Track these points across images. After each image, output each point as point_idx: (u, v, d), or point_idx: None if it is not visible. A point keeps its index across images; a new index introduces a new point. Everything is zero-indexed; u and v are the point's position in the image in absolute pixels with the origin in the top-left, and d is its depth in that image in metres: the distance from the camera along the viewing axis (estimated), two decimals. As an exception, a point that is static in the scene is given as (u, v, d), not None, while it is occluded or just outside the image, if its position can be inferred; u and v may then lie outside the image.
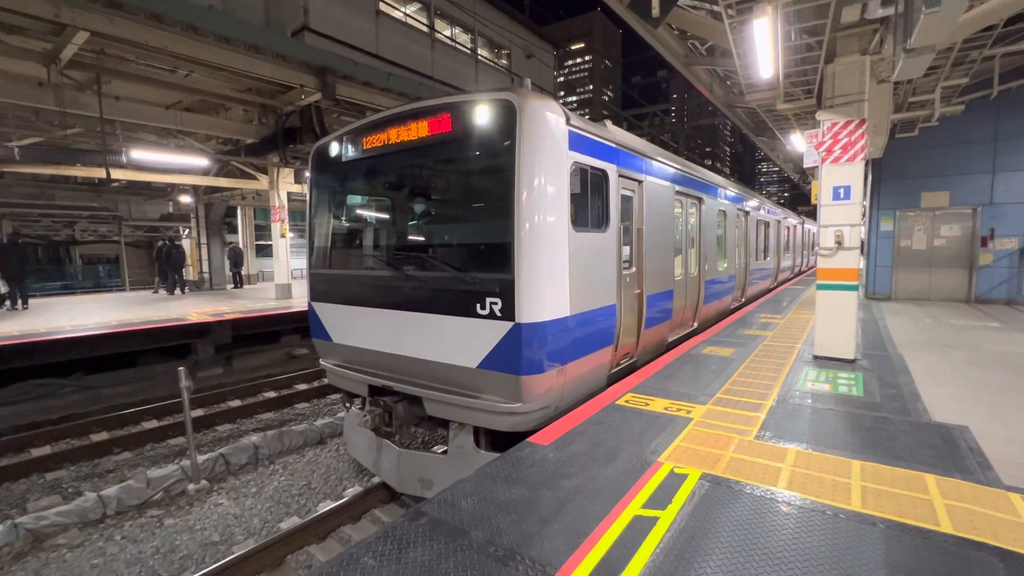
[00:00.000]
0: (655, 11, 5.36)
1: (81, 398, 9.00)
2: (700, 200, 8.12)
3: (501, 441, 4.37)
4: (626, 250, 5.62)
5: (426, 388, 4.54)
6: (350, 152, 5.27)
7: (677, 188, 7.09)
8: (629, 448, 3.56)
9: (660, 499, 2.85)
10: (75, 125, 10.74)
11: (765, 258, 14.21)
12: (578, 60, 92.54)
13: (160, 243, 17.32)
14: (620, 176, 5.35)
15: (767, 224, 14.33)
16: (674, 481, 3.06)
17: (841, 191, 5.88)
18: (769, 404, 4.47)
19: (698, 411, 4.31)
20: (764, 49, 5.79)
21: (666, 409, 4.37)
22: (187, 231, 21.36)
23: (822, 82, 6.15)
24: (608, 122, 6.03)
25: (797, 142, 11.41)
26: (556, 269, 4.14)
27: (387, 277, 4.85)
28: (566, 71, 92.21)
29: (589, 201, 4.75)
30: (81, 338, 8.84)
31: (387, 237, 5.49)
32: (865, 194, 12.14)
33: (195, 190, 18.30)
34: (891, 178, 12.24)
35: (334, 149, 5.43)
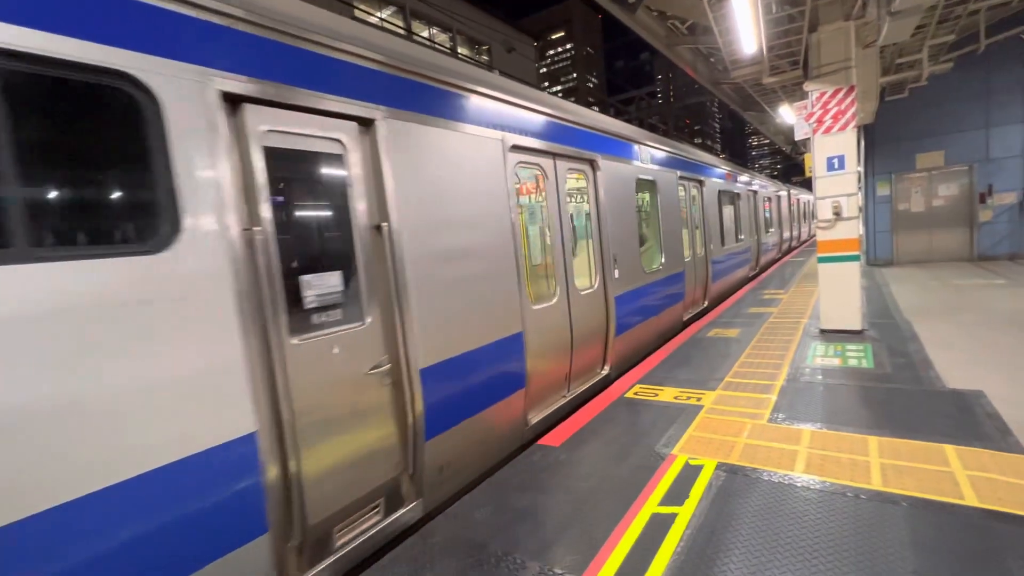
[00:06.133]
0: (631, -5, 5.26)
1: None
2: (593, 164, 5.05)
3: None
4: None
5: None
6: None
7: (538, 145, 4.18)
8: (642, 442, 3.51)
9: (677, 494, 2.80)
10: None
11: (738, 240, 10.86)
12: (559, 49, 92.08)
13: None
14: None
15: (737, 196, 11.05)
16: (690, 474, 3.01)
17: (835, 161, 5.80)
18: (780, 384, 4.41)
19: (708, 398, 4.26)
20: (746, 24, 5.69)
21: (676, 398, 4.32)
22: None
23: (807, 52, 6.05)
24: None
25: (786, 114, 11.30)
26: None
27: None
28: (548, 61, 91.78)
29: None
30: None
31: None
32: (859, 160, 12.05)
33: None
34: (884, 142, 12.13)
35: None
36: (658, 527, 2.51)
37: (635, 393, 4.54)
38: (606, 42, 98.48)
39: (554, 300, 4.28)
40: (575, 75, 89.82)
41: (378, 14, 13.26)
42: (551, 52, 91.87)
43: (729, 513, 2.58)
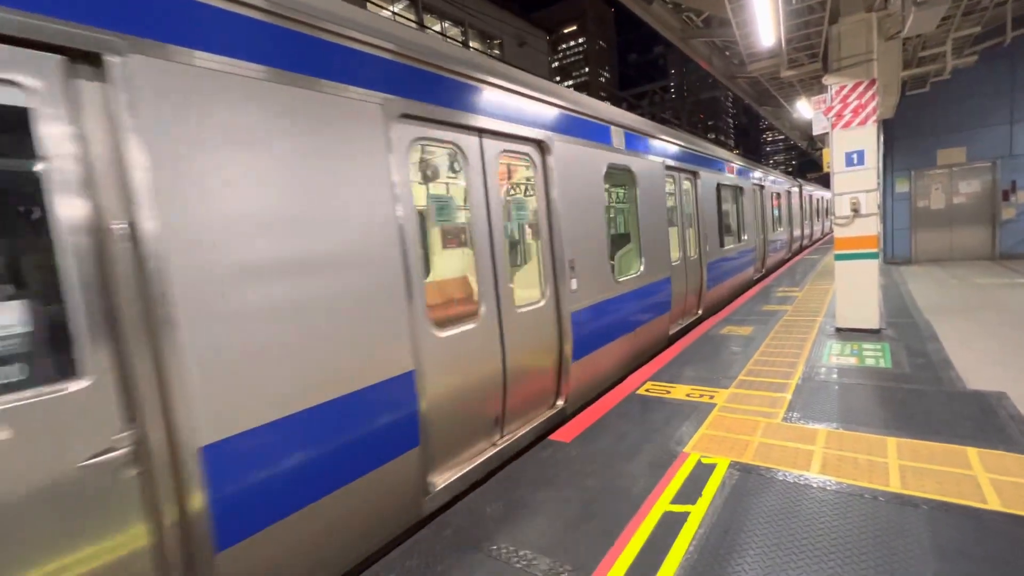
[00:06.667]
0: (648, -14, 5.18)
1: None
2: (542, 145, 4.02)
3: None
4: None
5: None
6: None
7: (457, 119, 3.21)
8: (654, 440, 3.48)
9: (689, 492, 2.77)
10: None
11: (740, 239, 9.97)
12: (571, 43, 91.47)
13: None
14: None
15: (740, 191, 10.17)
16: (702, 472, 2.98)
17: (855, 156, 5.68)
18: (794, 383, 4.34)
19: (721, 395, 4.21)
20: (764, 15, 5.59)
21: (688, 396, 4.27)
22: None
23: (827, 44, 5.92)
24: None
25: (804, 109, 11.10)
26: None
27: None
28: (560, 55, 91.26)
29: None
30: None
31: None
32: (879, 156, 11.79)
33: None
34: (904, 137, 11.87)
35: None
36: (670, 525, 2.49)
37: (647, 390, 4.50)
38: (619, 36, 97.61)
39: (474, 323, 3.26)
40: (587, 69, 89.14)
41: (391, 8, 13.25)
42: (563, 46, 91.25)
43: (743, 513, 2.54)
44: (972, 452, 2.92)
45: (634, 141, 5.64)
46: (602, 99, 6.20)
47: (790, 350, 5.35)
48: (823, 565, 2.12)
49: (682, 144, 7.15)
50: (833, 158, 5.83)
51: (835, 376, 4.43)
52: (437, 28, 14.83)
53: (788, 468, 2.93)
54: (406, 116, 2.81)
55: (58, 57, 1.64)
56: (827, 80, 5.74)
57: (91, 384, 1.69)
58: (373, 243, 2.54)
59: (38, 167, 1.63)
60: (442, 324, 3.04)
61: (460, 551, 2.45)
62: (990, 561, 2.05)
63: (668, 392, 4.41)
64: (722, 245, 8.52)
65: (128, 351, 1.77)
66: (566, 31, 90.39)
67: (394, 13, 13.31)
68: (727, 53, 10.40)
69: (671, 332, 6.54)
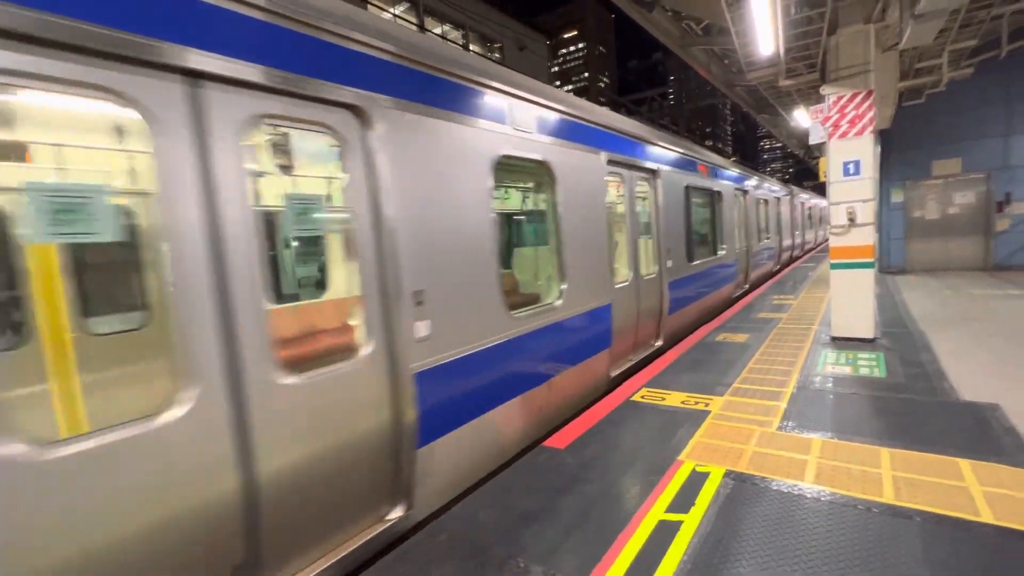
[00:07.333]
0: (648, -6, 5.21)
1: None
2: (360, 113, 2.57)
3: None
4: None
5: None
6: None
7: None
8: (648, 447, 3.48)
9: (683, 501, 2.76)
10: None
11: (717, 251, 8.76)
12: (571, 48, 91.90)
13: None
14: None
15: (718, 195, 8.89)
16: (697, 480, 2.97)
17: (851, 166, 5.71)
18: (789, 392, 4.35)
19: (716, 403, 4.21)
20: (764, 25, 5.62)
21: (683, 403, 4.27)
22: None
23: (825, 55, 5.96)
24: None
25: (801, 118, 11.17)
26: None
27: None
28: (560, 60, 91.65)
29: None
30: None
31: None
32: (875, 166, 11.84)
33: None
34: (899, 148, 11.96)
35: None
36: (664, 534, 2.48)
37: (641, 396, 4.50)
38: (619, 41, 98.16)
39: (174, 413, 1.84)
40: (587, 74, 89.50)
41: (392, 10, 13.28)
42: (563, 51, 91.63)
43: (737, 522, 2.54)
44: (965, 464, 2.92)
45: (553, 124, 4.15)
46: (601, 104, 6.04)
47: (785, 358, 5.36)
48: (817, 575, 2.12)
49: (634, 135, 5.69)
50: (830, 167, 5.86)
51: (830, 385, 4.44)
52: (438, 31, 14.86)
53: (782, 477, 2.93)
54: None
55: None
56: (825, 90, 5.78)
57: None
58: None
59: None
60: (79, 425, 1.73)
61: (453, 558, 2.43)
62: (983, 574, 2.05)
63: (663, 399, 4.40)
64: (691, 259, 7.24)
65: None
66: (566, 36, 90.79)
67: (395, 15, 13.34)
68: (726, 61, 10.46)
69: (614, 374, 5.16)
